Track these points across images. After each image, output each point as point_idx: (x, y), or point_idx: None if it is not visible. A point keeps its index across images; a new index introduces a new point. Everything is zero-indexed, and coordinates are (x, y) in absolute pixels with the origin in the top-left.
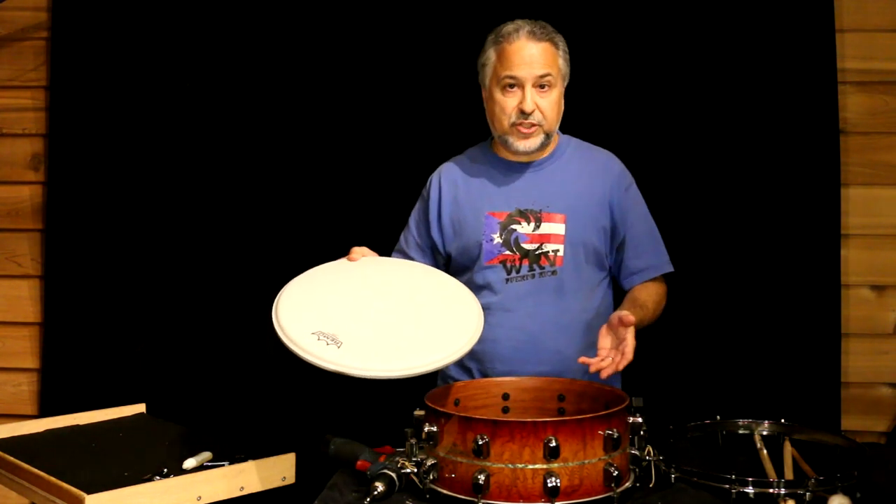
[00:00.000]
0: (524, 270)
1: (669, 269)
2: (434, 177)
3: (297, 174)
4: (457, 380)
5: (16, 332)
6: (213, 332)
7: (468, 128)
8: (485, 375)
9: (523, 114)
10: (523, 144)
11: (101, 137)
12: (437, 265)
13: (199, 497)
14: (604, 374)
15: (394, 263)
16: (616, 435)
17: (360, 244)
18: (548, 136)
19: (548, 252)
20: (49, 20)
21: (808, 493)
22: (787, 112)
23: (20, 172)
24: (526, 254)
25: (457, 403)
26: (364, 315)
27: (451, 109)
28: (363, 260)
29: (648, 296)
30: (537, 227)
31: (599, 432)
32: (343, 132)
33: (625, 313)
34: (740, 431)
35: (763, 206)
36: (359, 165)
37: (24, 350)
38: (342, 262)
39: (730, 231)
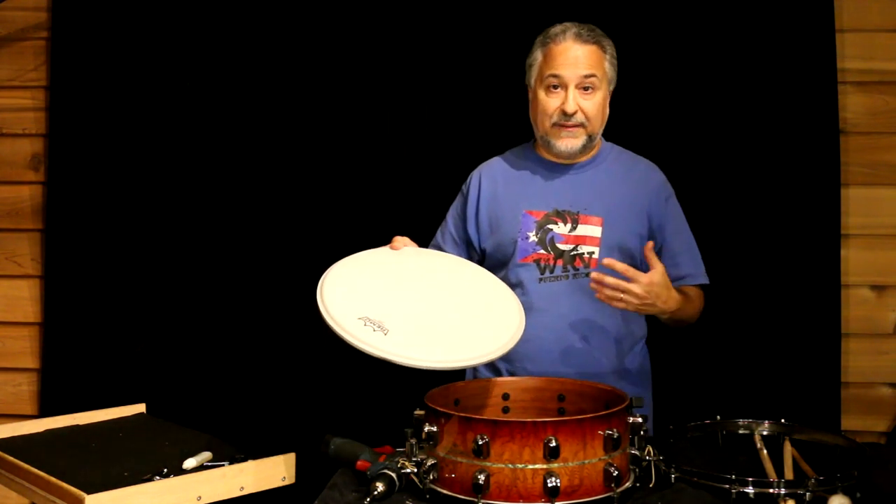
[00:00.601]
0: (558, 271)
1: (705, 280)
2: (475, 173)
3: (296, 174)
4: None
5: (16, 332)
6: (213, 332)
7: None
8: (514, 375)
9: (565, 115)
10: (564, 144)
11: (101, 137)
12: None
13: (199, 497)
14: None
15: (436, 255)
16: (616, 435)
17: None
18: (591, 138)
19: (583, 254)
20: (49, 20)
21: (808, 493)
22: (787, 112)
23: (20, 172)
24: (560, 254)
25: (457, 403)
26: (409, 304)
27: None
28: (405, 250)
29: (692, 290)
30: (574, 228)
31: (599, 432)
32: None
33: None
34: (740, 431)
35: (763, 206)
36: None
37: (24, 350)
38: (384, 249)
39: (730, 231)
